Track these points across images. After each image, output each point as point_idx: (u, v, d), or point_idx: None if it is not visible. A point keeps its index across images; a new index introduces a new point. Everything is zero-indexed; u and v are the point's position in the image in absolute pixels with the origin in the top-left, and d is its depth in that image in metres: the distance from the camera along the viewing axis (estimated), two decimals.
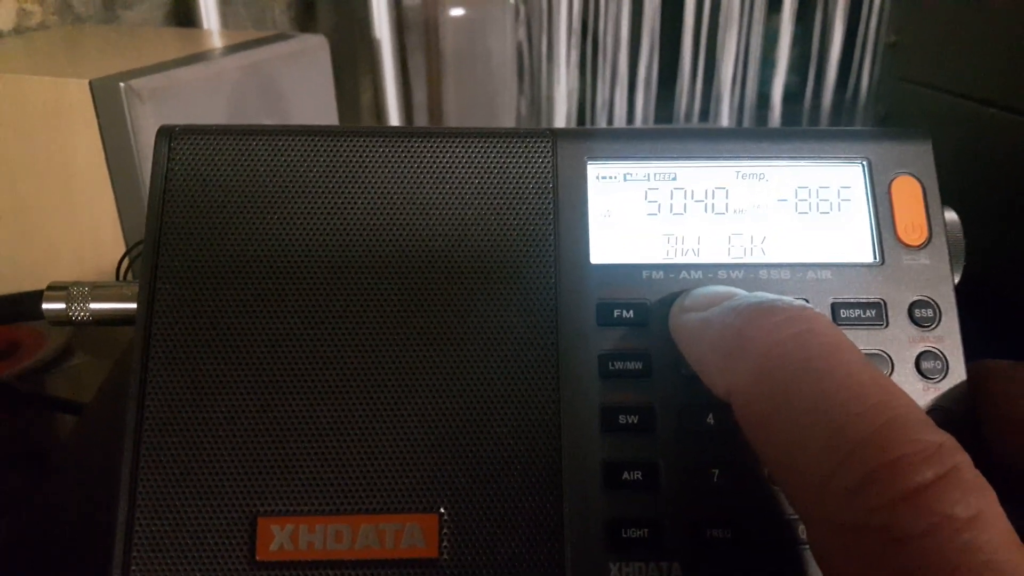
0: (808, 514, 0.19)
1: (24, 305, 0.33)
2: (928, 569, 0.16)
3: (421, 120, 1.23)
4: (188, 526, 0.22)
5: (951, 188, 0.27)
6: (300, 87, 0.70)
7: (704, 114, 1.41)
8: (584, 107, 1.42)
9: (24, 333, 0.56)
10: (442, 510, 0.23)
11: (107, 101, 0.53)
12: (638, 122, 1.40)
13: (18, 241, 0.61)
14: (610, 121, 1.40)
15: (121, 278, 0.49)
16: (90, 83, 0.53)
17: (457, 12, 1.18)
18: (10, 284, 0.61)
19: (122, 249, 0.57)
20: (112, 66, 0.56)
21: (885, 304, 0.25)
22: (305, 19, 1.23)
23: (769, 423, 0.20)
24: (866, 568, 0.17)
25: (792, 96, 1.39)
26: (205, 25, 0.98)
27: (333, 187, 0.25)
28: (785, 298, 0.21)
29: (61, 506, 0.35)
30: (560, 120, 1.38)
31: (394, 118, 1.19)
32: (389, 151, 0.25)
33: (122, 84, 0.53)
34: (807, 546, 0.23)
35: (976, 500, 0.16)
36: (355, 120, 1.24)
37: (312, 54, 0.72)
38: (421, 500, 0.23)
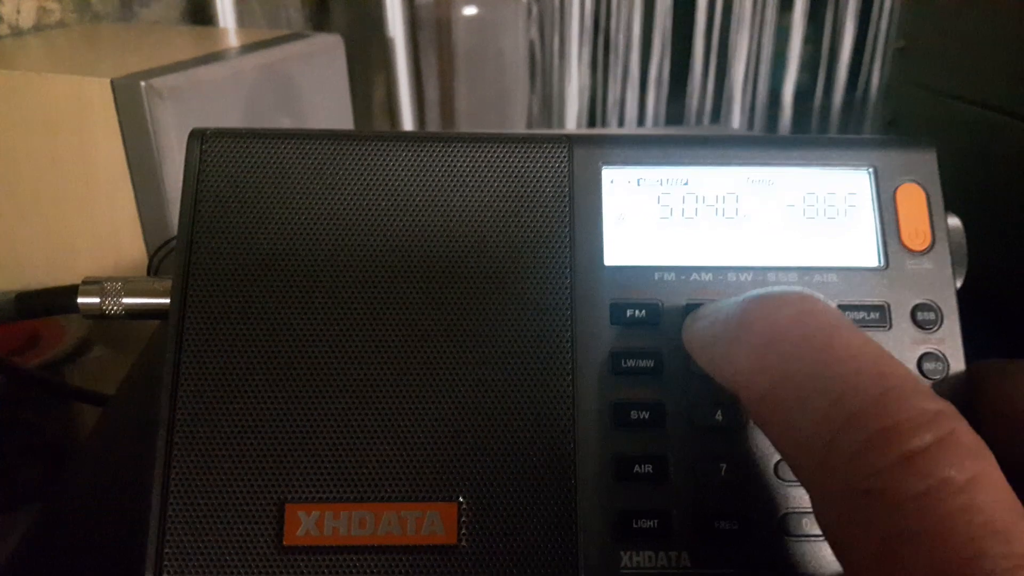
0: (811, 483, 0.19)
1: (57, 299, 0.34)
2: (927, 531, 0.16)
3: (433, 117, 1.24)
4: (219, 512, 0.23)
5: (956, 193, 0.28)
6: (316, 86, 0.70)
7: (716, 113, 1.41)
8: (596, 106, 1.42)
9: (44, 326, 0.56)
10: (461, 499, 0.24)
11: (128, 99, 0.54)
12: (649, 121, 1.40)
13: (38, 237, 0.61)
14: (621, 120, 1.40)
15: (152, 274, 0.50)
16: (112, 82, 0.54)
17: (470, 11, 1.18)
18: (30, 279, 0.62)
19: (141, 245, 0.58)
20: (132, 65, 0.57)
21: (889, 307, 0.26)
22: (319, 17, 1.23)
23: (771, 398, 0.20)
24: (867, 532, 0.17)
25: (803, 96, 1.39)
26: (221, 23, 0.99)
27: (358, 190, 0.26)
28: (786, 287, 0.22)
29: (84, 496, 0.36)
30: (571, 118, 1.38)
31: (406, 116, 1.20)
32: (412, 155, 0.26)
33: (143, 83, 0.53)
34: (813, 538, 0.24)
35: (973, 463, 0.17)
36: (368, 118, 1.25)
37: (328, 53, 0.73)
38: (441, 489, 0.24)
